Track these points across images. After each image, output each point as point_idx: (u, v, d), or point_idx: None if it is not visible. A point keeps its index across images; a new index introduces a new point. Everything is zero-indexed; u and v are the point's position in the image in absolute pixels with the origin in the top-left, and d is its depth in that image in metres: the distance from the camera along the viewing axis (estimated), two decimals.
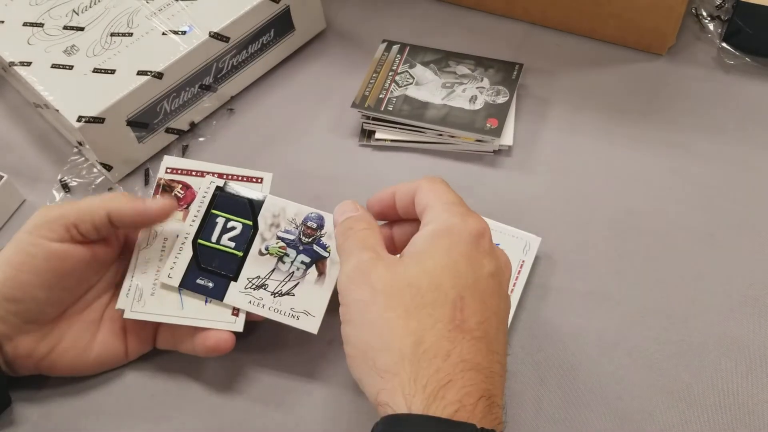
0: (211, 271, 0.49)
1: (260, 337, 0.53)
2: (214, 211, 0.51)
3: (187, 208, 0.51)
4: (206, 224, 0.51)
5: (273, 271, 0.50)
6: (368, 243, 0.43)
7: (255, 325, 0.52)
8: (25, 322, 0.47)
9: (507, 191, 0.60)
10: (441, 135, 0.62)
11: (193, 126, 0.65)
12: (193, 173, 0.53)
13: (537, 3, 0.69)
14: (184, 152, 0.64)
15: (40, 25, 0.64)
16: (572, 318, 0.53)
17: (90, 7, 0.64)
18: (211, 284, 0.49)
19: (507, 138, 0.62)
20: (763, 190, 0.58)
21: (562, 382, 0.50)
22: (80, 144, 0.61)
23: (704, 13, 0.69)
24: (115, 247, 0.50)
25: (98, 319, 0.50)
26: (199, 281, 0.49)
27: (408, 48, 0.67)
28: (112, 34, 0.62)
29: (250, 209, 0.51)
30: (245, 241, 0.50)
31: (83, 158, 0.63)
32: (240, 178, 0.53)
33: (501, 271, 0.42)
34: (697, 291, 0.53)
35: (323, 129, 0.65)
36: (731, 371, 0.50)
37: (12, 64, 0.61)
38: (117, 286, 0.51)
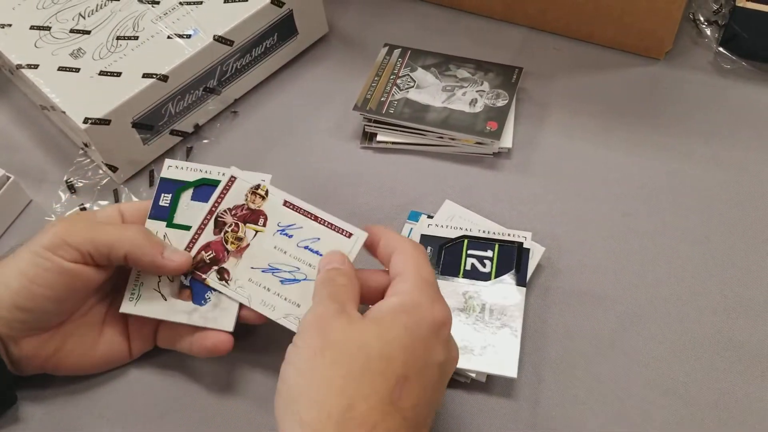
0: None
1: (260, 338, 0.54)
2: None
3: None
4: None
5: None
6: (341, 296, 0.44)
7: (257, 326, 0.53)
8: (30, 329, 0.48)
9: (506, 193, 0.60)
10: (441, 137, 0.63)
11: (198, 128, 0.66)
12: None
13: (536, 7, 0.70)
14: (188, 154, 0.65)
15: (47, 28, 0.65)
16: (569, 318, 0.53)
17: (96, 10, 0.65)
18: None
19: (506, 141, 0.62)
20: (758, 193, 0.59)
21: (560, 381, 0.51)
22: (86, 145, 0.62)
23: (701, 18, 0.70)
24: None
25: (101, 321, 0.51)
26: None
27: (409, 52, 0.68)
28: (118, 38, 0.63)
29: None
30: (474, 275, 0.54)
31: (89, 160, 0.64)
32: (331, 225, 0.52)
33: (449, 364, 0.43)
34: (693, 291, 0.54)
35: (325, 131, 0.66)
36: (727, 370, 0.51)
37: (19, 66, 0.62)
38: (118, 287, 0.52)
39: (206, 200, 0.52)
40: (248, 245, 0.51)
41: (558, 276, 0.55)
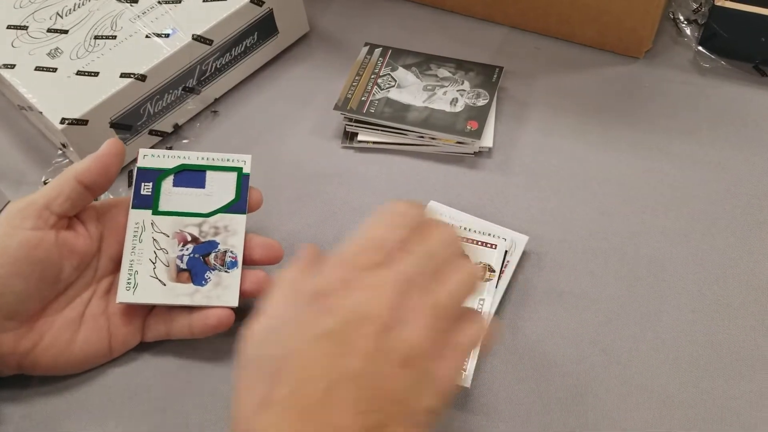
0: None
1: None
2: None
3: None
4: None
5: None
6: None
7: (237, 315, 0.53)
8: (5, 318, 0.47)
9: (487, 192, 0.61)
10: (422, 137, 0.62)
11: (177, 128, 0.66)
12: None
13: (517, 7, 0.70)
14: None
15: (24, 27, 0.64)
16: (548, 316, 0.54)
17: (74, 10, 0.65)
18: None
19: (487, 140, 0.62)
20: (737, 191, 0.59)
21: (538, 380, 0.51)
22: (64, 146, 0.62)
23: (681, 17, 0.70)
24: (86, 238, 0.50)
25: (79, 316, 0.51)
26: None
27: (390, 51, 0.68)
28: (96, 37, 0.63)
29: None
30: None
31: (67, 160, 0.63)
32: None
33: (346, 328, 0.35)
34: (672, 290, 0.54)
35: (306, 131, 0.66)
36: (705, 368, 0.51)
37: None
38: (98, 283, 0.52)
39: (189, 186, 0.52)
40: None
41: (537, 274, 0.55)
